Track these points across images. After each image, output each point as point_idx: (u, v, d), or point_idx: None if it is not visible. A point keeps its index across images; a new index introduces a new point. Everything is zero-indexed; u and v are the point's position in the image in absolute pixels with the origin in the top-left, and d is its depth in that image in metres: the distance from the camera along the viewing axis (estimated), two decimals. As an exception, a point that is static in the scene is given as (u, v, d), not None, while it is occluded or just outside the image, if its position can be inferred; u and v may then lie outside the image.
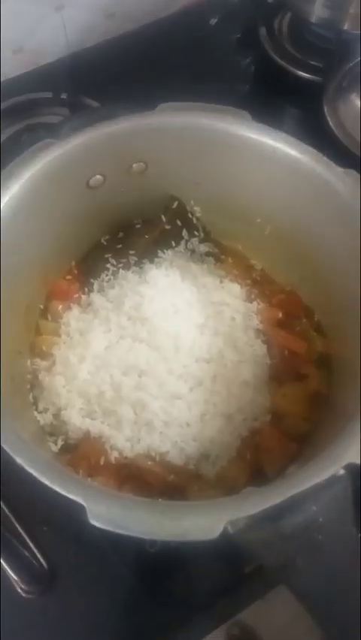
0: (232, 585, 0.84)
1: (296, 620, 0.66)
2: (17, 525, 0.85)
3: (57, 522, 0.85)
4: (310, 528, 0.60)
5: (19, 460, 0.62)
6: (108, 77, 1.28)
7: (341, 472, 0.62)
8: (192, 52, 1.35)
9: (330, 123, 1.15)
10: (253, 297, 0.93)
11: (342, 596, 0.61)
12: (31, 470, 0.61)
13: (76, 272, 0.96)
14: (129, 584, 0.84)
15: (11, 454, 0.63)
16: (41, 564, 0.84)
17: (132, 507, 0.60)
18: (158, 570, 0.85)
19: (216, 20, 1.38)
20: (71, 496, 0.60)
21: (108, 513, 0.58)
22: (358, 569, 0.61)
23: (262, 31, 1.33)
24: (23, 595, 0.83)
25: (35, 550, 0.84)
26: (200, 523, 0.58)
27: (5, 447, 0.63)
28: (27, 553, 0.85)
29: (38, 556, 0.84)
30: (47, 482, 0.60)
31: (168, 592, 0.85)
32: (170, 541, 0.61)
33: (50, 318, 0.91)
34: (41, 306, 0.92)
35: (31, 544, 0.85)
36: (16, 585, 0.83)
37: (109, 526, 0.58)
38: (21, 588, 0.83)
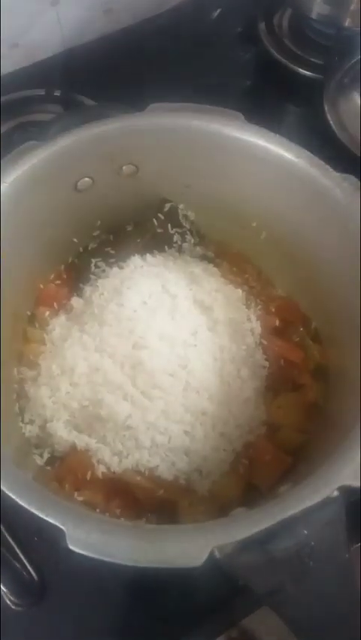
0: (227, 598, 0.82)
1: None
2: (8, 536, 0.84)
3: (48, 533, 0.82)
4: (300, 553, 0.59)
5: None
6: (105, 74, 1.26)
7: (335, 493, 0.60)
8: (190, 48, 1.33)
9: (330, 121, 1.14)
10: (248, 303, 0.91)
11: (332, 623, 0.59)
12: (9, 493, 0.59)
13: (65, 276, 0.94)
14: (121, 597, 0.83)
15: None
16: (32, 576, 0.83)
17: (113, 532, 0.58)
18: (150, 582, 0.83)
19: (217, 13, 1.37)
20: (50, 520, 0.58)
21: (88, 538, 0.57)
22: (349, 595, 0.59)
23: (262, 27, 1.32)
24: (13, 607, 0.81)
25: (26, 562, 0.83)
26: (185, 550, 0.57)
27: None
28: (17, 565, 0.83)
29: (29, 567, 0.83)
30: (24, 505, 0.59)
31: (160, 604, 0.83)
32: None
33: (37, 325, 0.89)
34: (29, 313, 0.90)
35: (21, 556, 0.83)
36: (5, 597, 0.82)
37: (89, 552, 0.57)
38: (10, 600, 0.82)
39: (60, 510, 0.59)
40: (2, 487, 0.60)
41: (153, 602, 0.83)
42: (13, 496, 0.59)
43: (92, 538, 0.57)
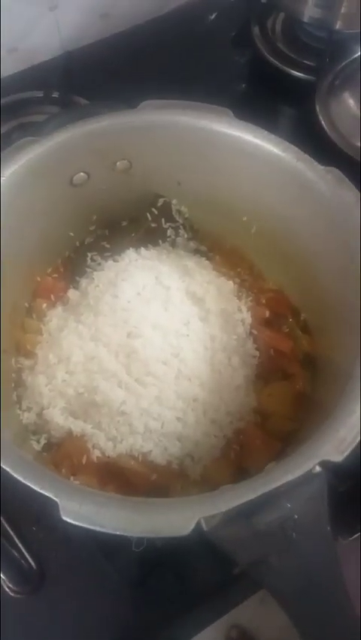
0: (220, 585, 0.84)
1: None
2: (6, 524, 0.85)
3: (46, 522, 0.84)
4: (284, 525, 0.60)
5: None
6: (102, 77, 1.28)
7: (318, 469, 0.62)
8: (186, 51, 1.35)
9: (322, 122, 1.15)
10: (240, 295, 0.93)
11: (316, 594, 0.61)
12: (4, 466, 0.61)
13: (62, 270, 0.96)
14: (118, 584, 0.84)
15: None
16: (30, 564, 0.84)
17: (105, 503, 0.60)
18: (146, 570, 0.84)
19: (213, 17, 1.39)
20: (44, 492, 0.60)
21: (81, 509, 0.58)
22: (331, 566, 0.60)
23: (256, 30, 1.34)
24: (12, 595, 0.82)
25: (24, 550, 0.84)
26: (172, 520, 0.58)
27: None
28: (16, 553, 0.84)
29: (27, 556, 0.84)
30: (19, 478, 0.60)
31: (157, 591, 0.84)
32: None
33: (34, 316, 0.91)
34: (27, 305, 0.92)
35: (19, 544, 0.84)
36: (4, 585, 0.83)
37: (81, 522, 0.58)
38: (9, 588, 0.83)
39: (54, 483, 0.61)
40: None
41: (150, 589, 0.84)
42: (9, 470, 0.61)
43: (84, 510, 0.58)
